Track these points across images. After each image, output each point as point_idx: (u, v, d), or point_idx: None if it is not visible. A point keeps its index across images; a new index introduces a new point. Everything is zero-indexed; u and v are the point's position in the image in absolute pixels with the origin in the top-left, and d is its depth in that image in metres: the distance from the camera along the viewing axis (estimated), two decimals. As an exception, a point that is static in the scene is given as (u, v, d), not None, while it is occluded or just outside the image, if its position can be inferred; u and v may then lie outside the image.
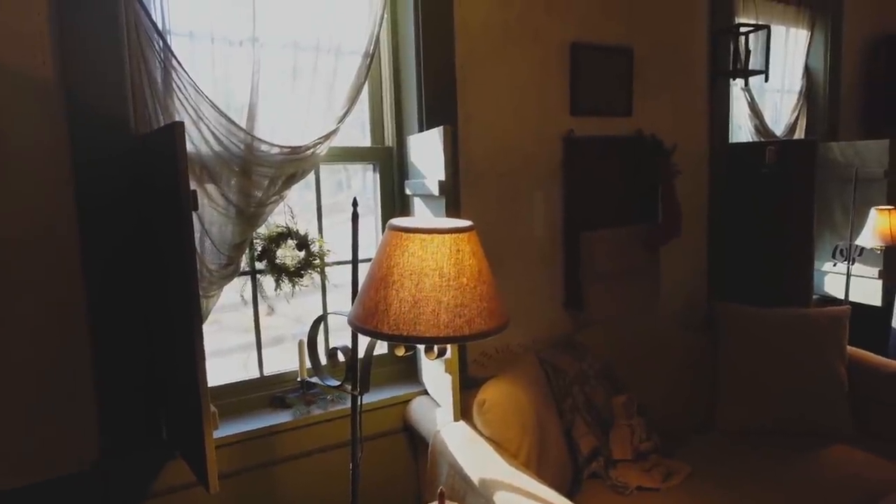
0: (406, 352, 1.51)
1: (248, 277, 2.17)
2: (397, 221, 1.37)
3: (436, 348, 1.43)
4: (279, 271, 2.13)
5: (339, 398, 2.18)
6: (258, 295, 2.20)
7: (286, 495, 2.08)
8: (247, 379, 2.17)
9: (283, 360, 2.30)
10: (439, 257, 1.30)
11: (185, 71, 1.84)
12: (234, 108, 1.96)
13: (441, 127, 1.92)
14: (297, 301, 2.24)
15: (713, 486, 2.27)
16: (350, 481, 1.64)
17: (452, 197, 1.93)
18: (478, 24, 2.37)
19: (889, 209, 3.17)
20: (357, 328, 1.36)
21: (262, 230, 2.12)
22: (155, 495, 1.87)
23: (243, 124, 1.96)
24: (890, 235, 3.12)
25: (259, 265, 2.15)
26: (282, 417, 2.07)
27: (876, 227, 3.16)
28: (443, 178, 1.92)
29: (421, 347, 1.53)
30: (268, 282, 2.17)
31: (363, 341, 1.59)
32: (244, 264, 2.11)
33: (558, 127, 2.63)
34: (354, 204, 1.62)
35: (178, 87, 1.85)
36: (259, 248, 2.13)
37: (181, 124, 1.45)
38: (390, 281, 1.32)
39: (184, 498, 1.90)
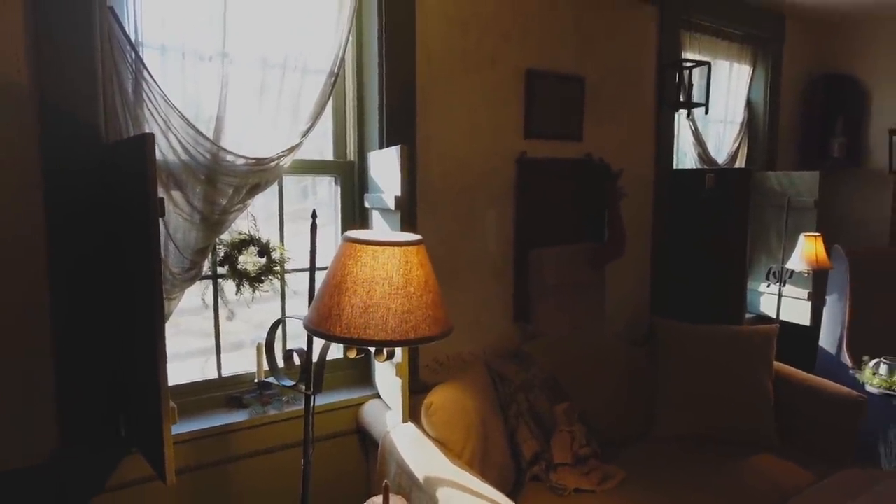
0: (357, 354, 1.63)
1: (210, 282, 2.25)
2: (352, 234, 1.49)
3: (384, 351, 1.56)
4: (240, 276, 2.22)
5: (295, 399, 2.28)
6: (219, 299, 2.28)
7: (241, 492, 2.17)
8: (205, 379, 2.25)
9: (242, 364, 2.38)
10: (389, 268, 1.43)
11: (155, 83, 1.93)
12: (202, 120, 2.05)
13: (399, 146, 2.05)
14: (257, 307, 2.33)
15: (645, 489, 2.43)
16: (301, 486, 1.74)
17: (407, 212, 2.06)
18: (438, 50, 2.52)
19: (816, 235, 3.42)
20: (312, 331, 1.48)
21: (226, 236, 2.21)
22: (112, 489, 1.93)
23: (210, 135, 2.05)
24: (815, 260, 3.36)
25: (221, 270, 2.23)
26: (238, 416, 2.16)
27: (804, 252, 3.41)
28: (399, 193, 2.05)
29: (372, 351, 1.64)
30: (229, 287, 2.26)
31: (318, 345, 1.71)
32: (206, 269, 2.19)
33: (512, 148, 2.79)
34: (314, 216, 1.74)
35: (148, 97, 1.94)
36: (221, 254, 2.22)
37: (151, 136, 1.55)
38: (344, 288, 1.44)
39: (140, 492, 1.96)
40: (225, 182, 2.09)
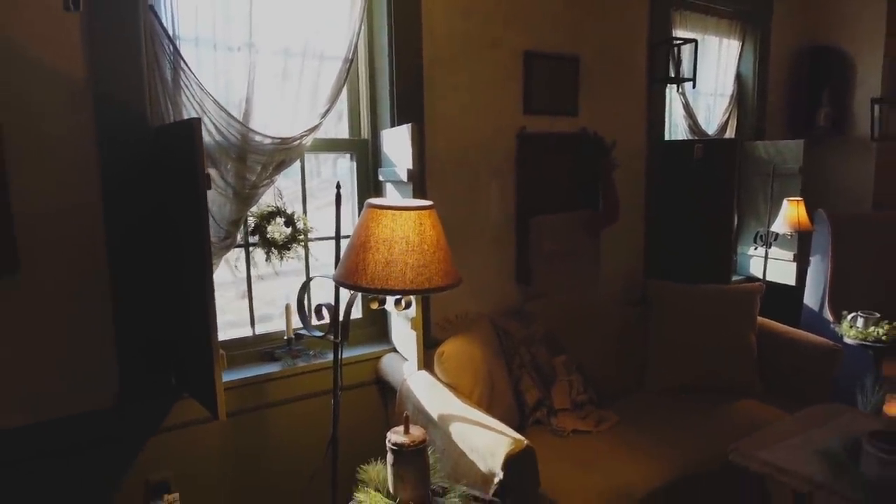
0: (379, 305, 1.89)
1: (242, 250, 2.52)
2: (374, 200, 1.75)
3: (402, 301, 1.82)
4: (269, 245, 2.48)
5: (321, 353, 2.55)
6: (250, 265, 2.55)
7: (277, 433, 2.45)
8: (241, 337, 2.52)
9: (272, 325, 2.65)
10: (406, 228, 1.69)
11: (191, 72, 2.17)
12: (232, 104, 2.29)
13: (409, 124, 2.29)
14: (282, 277, 2.59)
15: (637, 430, 2.71)
16: (331, 422, 2.02)
17: (419, 183, 2.31)
18: (443, 33, 2.74)
19: (798, 200, 3.65)
20: (341, 283, 1.74)
21: (255, 209, 2.47)
22: (165, 430, 2.22)
23: (240, 118, 2.29)
24: (797, 222, 3.59)
25: (252, 239, 2.49)
26: (272, 368, 2.44)
27: (787, 215, 3.64)
28: (411, 167, 2.29)
29: (390, 303, 1.90)
30: (258, 255, 2.52)
31: (343, 301, 1.97)
32: (239, 238, 2.45)
33: (513, 124, 3.02)
34: (338, 187, 1.99)
35: (185, 85, 2.19)
36: (252, 225, 2.48)
37: (199, 120, 1.80)
38: (368, 246, 1.70)
39: (191, 433, 2.26)
40: (254, 160, 2.33)
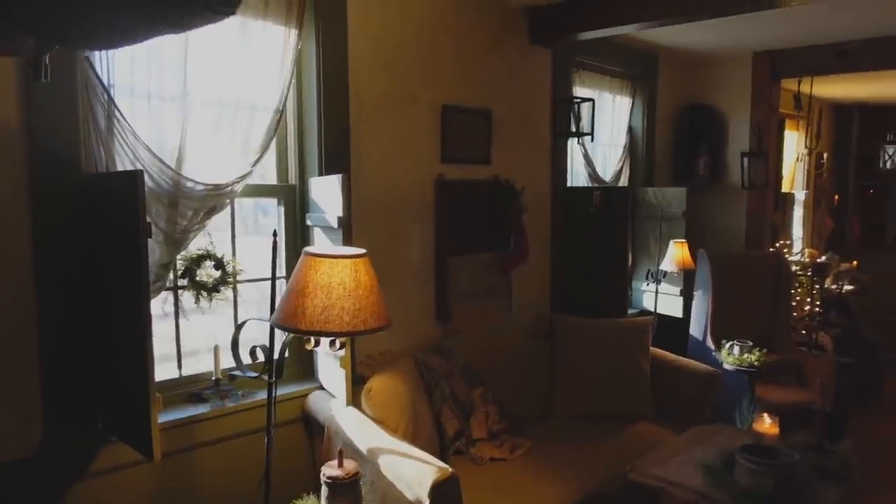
0: (314, 346, 2.02)
1: (171, 293, 2.56)
2: (311, 249, 1.90)
3: (337, 341, 1.96)
4: (199, 287, 2.54)
5: (249, 393, 2.62)
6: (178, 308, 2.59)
7: (205, 475, 2.48)
8: (168, 378, 2.54)
9: (198, 366, 2.68)
10: (343, 275, 1.85)
11: (126, 120, 2.24)
12: (165, 151, 2.36)
13: (340, 175, 2.46)
14: (208, 319, 2.64)
15: (548, 455, 2.95)
16: (264, 458, 2.10)
17: (348, 230, 2.47)
18: (367, 88, 2.94)
19: (682, 241, 4.11)
20: (281, 327, 1.87)
21: (185, 252, 2.53)
22: (92, 476, 2.20)
23: (173, 165, 2.37)
24: (682, 261, 4.04)
25: (182, 282, 2.55)
26: (201, 409, 2.48)
27: (673, 255, 4.08)
28: (341, 214, 2.45)
29: (325, 344, 2.02)
30: (186, 296, 2.56)
31: (278, 342, 2.08)
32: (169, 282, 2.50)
33: (431, 172, 3.25)
34: (274, 234, 2.12)
35: (119, 133, 2.25)
36: (182, 268, 2.53)
37: (141, 172, 1.89)
38: (307, 292, 1.84)
39: (118, 478, 2.25)
40: (185, 205, 2.41)
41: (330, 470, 2.01)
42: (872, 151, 6.08)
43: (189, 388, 2.58)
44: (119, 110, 2.22)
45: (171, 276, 2.51)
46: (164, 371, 2.59)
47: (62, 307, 2.13)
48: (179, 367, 2.60)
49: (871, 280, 5.78)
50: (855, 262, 6.07)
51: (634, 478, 2.49)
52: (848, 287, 5.38)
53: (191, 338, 2.73)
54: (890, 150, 4.98)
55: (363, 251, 1.91)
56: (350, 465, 2.04)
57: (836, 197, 7.24)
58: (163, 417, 2.37)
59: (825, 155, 6.96)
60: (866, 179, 7.34)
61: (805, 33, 4.20)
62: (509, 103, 3.63)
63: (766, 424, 2.63)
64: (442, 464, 2.21)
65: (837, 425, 3.74)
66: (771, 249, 5.17)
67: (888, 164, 5.06)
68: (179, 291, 2.57)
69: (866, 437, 4.24)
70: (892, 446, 4.41)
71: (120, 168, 2.22)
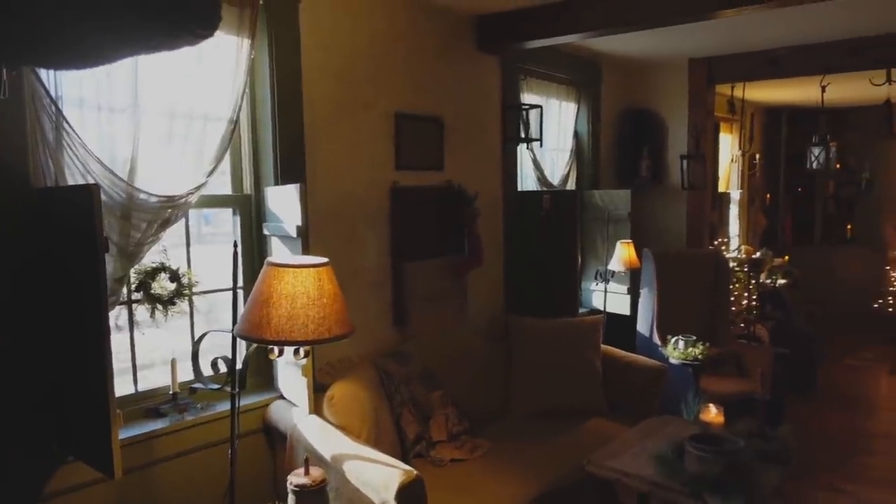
0: (279, 355, 2.03)
1: (123, 306, 2.51)
2: (274, 259, 1.92)
3: (302, 350, 1.98)
4: (154, 301, 2.51)
5: (209, 406, 2.59)
6: (133, 322, 2.54)
7: (166, 490, 2.44)
8: (124, 394, 2.49)
9: (154, 382, 2.64)
10: (307, 284, 1.87)
11: (75, 132, 2.20)
12: (117, 163, 2.32)
13: (298, 185, 2.47)
14: (159, 333, 2.60)
15: (506, 453, 3.02)
16: (225, 470, 2.10)
17: (307, 238, 2.49)
18: (321, 97, 2.96)
19: (628, 242, 4.27)
20: (245, 338, 1.88)
21: (139, 265, 2.48)
22: (48, 497, 2.15)
23: (125, 177, 2.33)
24: (629, 261, 4.20)
25: (136, 295, 2.50)
26: (159, 424, 2.44)
27: (620, 255, 4.24)
28: (300, 223, 2.47)
29: (288, 353, 2.03)
30: (141, 311, 2.52)
31: (241, 353, 2.08)
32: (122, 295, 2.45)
33: (386, 179, 3.29)
34: (235, 245, 2.12)
35: (68, 145, 2.20)
36: (136, 282, 2.49)
37: (97, 186, 1.86)
38: (271, 302, 1.86)
39: (76, 498, 2.19)
40: (139, 218, 2.37)
41: (297, 478, 2.02)
42: (801, 152, 6.44)
43: (146, 404, 2.54)
44: (68, 122, 2.18)
45: (125, 289, 2.47)
46: (119, 387, 2.53)
47: (10, 324, 2.07)
48: (135, 382, 2.56)
49: (802, 274, 6.13)
50: (787, 258, 6.42)
51: (591, 470, 2.59)
52: (781, 281, 5.69)
53: (144, 352, 2.68)
54: (816, 151, 5.29)
55: (326, 260, 1.93)
56: (316, 472, 2.07)
57: (769, 196, 7.63)
58: (121, 434, 2.32)
59: (758, 156, 7.33)
60: (795, 179, 7.77)
61: (738, 42, 4.44)
62: (460, 110, 3.71)
63: (712, 414, 2.77)
64: (407, 466, 2.25)
65: (777, 412, 3.97)
66: (710, 247, 5.42)
67: (815, 165, 5.37)
68: (133, 305, 2.53)
69: (802, 422, 4.50)
70: (826, 430, 4.70)
71: (70, 181, 2.18)
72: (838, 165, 7.19)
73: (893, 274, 7.15)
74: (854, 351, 6.65)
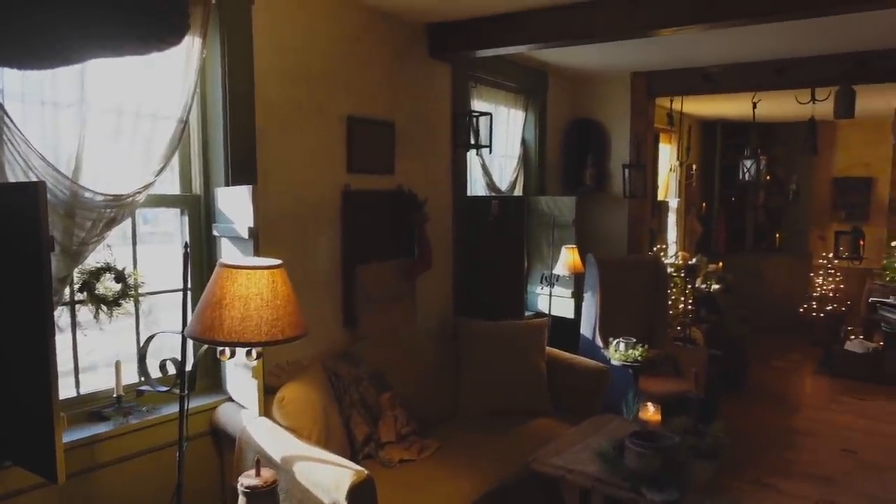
0: (230, 356, 2.03)
1: (66, 307, 2.44)
2: (227, 260, 1.92)
3: (254, 351, 1.99)
4: (98, 301, 2.45)
5: (154, 409, 2.55)
6: (76, 323, 2.48)
7: (110, 495, 2.39)
8: (66, 397, 2.43)
9: (97, 385, 2.58)
10: (261, 286, 1.88)
11: (16, 127, 2.14)
12: (61, 161, 2.27)
13: (250, 186, 2.47)
14: (102, 335, 2.55)
15: (455, 453, 3.09)
16: (171, 474, 2.08)
17: (258, 240, 2.48)
18: (274, 98, 2.95)
19: (573, 247, 4.41)
20: (197, 339, 1.88)
21: (83, 265, 2.43)
22: (-18, 504, 2.08)
23: (69, 174, 2.28)
24: (573, 265, 4.34)
25: (80, 296, 2.44)
26: (103, 427, 2.39)
27: (565, 260, 4.37)
28: (252, 225, 2.46)
29: (240, 355, 2.03)
30: (83, 312, 2.46)
31: (190, 354, 2.07)
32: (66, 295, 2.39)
33: (338, 181, 3.31)
34: (186, 247, 2.10)
35: (9, 140, 2.14)
36: (80, 282, 2.43)
37: (43, 184, 1.82)
38: (224, 303, 1.86)
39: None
40: (83, 216, 2.32)
41: (248, 479, 2.02)
42: (734, 164, 6.77)
43: (88, 407, 2.48)
44: (9, 116, 2.12)
45: (68, 290, 2.41)
46: (60, 390, 2.46)
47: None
48: (77, 385, 2.49)
49: (735, 280, 6.45)
50: (721, 264, 6.75)
51: (536, 468, 2.68)
52: (715, 286, 5.98)
53: (85, 354, 2.61)
54: (747, 163, 5.58)
55: (280, 262, 1.95)
56: (267, 473, 2.07)
57: (704, 205, 7.99)
58: (63, 438, 2.26)
59: (694, 166, 7.67)
60: (729, 189, 8.16)
61: (676, 58, 4.66)
62: (412, 115, 3.76)
63: (650, 412, 2.91)
64: (357, 467, 2.27)
65: (710, 410, 4.18)
66: (650, 253, 5.65)
67: (746, 176, 5.67)
68: (77, 306, 2.47)
69: (733, 419, 4.75)
70: (755, 427, 4.96)
71: (11, 177, 2.11)
72: (768, 177, 7.64)
73: (818, 280, 7.60)
74: (781, 352, 7.04)
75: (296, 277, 3.07)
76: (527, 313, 4.77)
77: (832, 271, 7.56)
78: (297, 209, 3.10)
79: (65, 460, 2.18)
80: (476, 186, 4.52)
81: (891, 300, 6.22)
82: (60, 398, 2.39)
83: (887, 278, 6.60)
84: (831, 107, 4.45)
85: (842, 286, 7.46)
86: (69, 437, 2.29)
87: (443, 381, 3.60)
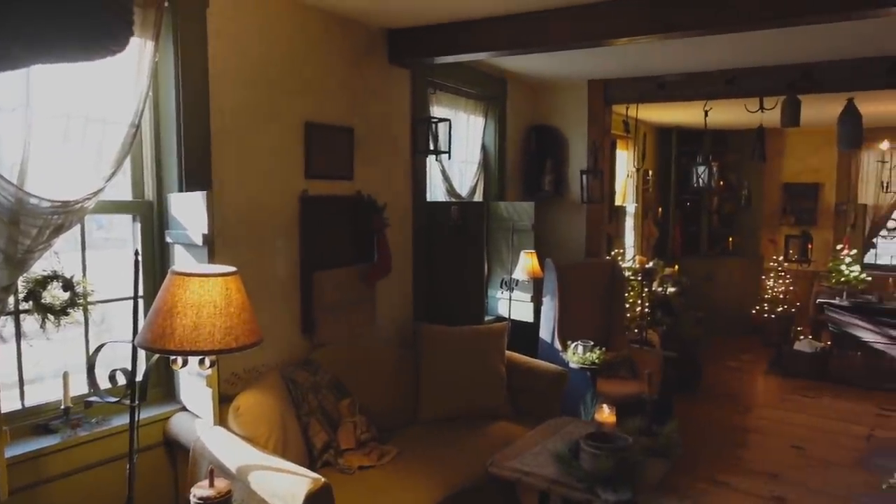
0: (182, 365, 2.00)
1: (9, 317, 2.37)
2: (178, 268, 1.89)
3: (207, 360, 1.96)
4: (45, 311, 2.38)
5: (103, 421, 2.49)
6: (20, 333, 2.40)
7: (54, 511, 2.32)
8: (9, 411, 2.35)
9: (43, 397, 2.50)
10: (214, 293, 1.86)
11: (-44, 132, 2.07)
12: (5, 166, 2.20)
13: (205, 192, 2.43)
14: (52, 346, 2.47)
15: (414, 458, 3.09)
16: (122, 488, 2.03)
17: (212, 247, 2.45)
18: (230, 105, 2.92)
19: (532, 252, 4.46)
20: (147, 349, 1.84)
21: (29, 273, 2.35)
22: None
23: (14, 180, 2.21)
24: (532, 270, 4.39)
25: (25, 305, 2.37)
26: (49, 441, 2.31)
27: (524, 264, 4.42)
28: (206, 231, 2.43)
29: (193, 363, 2.00)
30: (29, 321, 2.39)
31: (141, 364, 2.03)
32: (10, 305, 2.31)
33: (295, 187, 3.28)
34: (136, 254, 2.06)
35: (-52, 145, 2.07)
36: (25, 291, 2.35)
37: (-15, 189, 1.76)
38: (175, 312, 1.83)
39: (-49, 522, 2.05)
40: (29, 223, 2.25)
41: (200, 490, 1.99)
42: (689, 169, 6.96)
43: (34, 420, 2.41)
44: (-51, 120, 2.05)
45: (12, 299, 2.33)
46: (3, 402, 2.38)
47: None
48: (21, 397, 2.42)
49: (690, 283, 6.62)
50: (676, 267, 6.92)
51: (494, 471, 2.70)
52: (671, 289, 6.12)
53: (32, 366, 2.54)
54: (700, 169, 5.75)
55: (234, 269, 1.93)
56: (221, 483, 2.04)
57: (660, 209, 8.18)
58: (7, 452, 2.19)
59: (650, 172, 7.85)
60: (684, 194, 8.37)
61: (631, 66, 4.77)
62: (371, 121, 3.76)
63: (605, 414, 2.97)
64: (314, 474, 2.26)
65: (665, 411, 4.27)
66: (607, 257, 5.75)
67: (700, 182, 5.84)
68: (22, 316, 2.39)
69: (688, 419, 4.86)
70: (710, 425, 5.10)
71: (-49, 184, 2.04)
72: (721, 183, 7.87)
73: (769, 283, 7.85)
74: (735, 353, 7.25)
75: (252, 284, 3.05)
76: (487, 318, 4.81)
77: (782, 274, 7.83)
78: (253, 215, 3.06)
79: (7, 475, 2.12)
80: (436, 192, 4.54)
81: (837, 301, 6.47)
82: (4, 411, 2.34)
83: (833, 280, 6.86)
84: (779, 115, 4.62)
85: (791, 288, 7.73)
86: (12, 451, 2.21)
87: (402, 386, 3.60)
